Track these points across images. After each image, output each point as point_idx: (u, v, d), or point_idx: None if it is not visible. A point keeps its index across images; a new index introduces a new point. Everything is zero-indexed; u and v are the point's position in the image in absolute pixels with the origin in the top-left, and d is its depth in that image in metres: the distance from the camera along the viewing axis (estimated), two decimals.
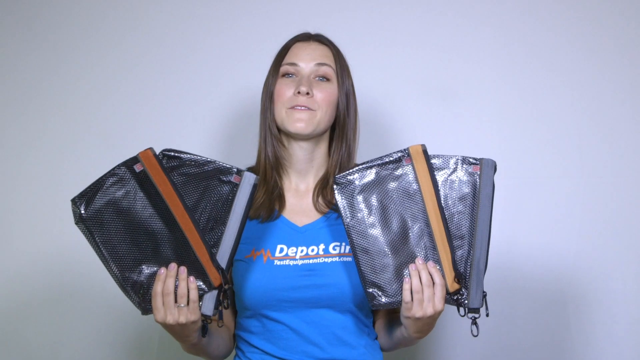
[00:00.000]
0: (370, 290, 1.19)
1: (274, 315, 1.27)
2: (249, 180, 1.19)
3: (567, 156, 1.83)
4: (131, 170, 1.18)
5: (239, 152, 1.85)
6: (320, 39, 1.36)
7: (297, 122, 1.28)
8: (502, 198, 1.81)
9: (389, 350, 1.38)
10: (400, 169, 1.21)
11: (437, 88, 1.86)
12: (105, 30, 1.94)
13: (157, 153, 1.19)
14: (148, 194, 1.17)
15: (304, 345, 1.26)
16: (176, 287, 1.15)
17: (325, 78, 1.32)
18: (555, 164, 1.83)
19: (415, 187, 1.20)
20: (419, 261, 1.18)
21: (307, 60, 1.31)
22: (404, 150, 1.22)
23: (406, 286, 1.17)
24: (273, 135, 1.33)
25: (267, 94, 1.34)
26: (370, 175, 1.21)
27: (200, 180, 1.19)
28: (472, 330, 1.19)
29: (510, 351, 1.82)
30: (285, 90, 1.31)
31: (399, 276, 1.19)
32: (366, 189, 1.21)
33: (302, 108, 1.29)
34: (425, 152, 1.22)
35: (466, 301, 1.18)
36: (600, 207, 1.81)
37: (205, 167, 1.19)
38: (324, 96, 1.30)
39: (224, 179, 1.19)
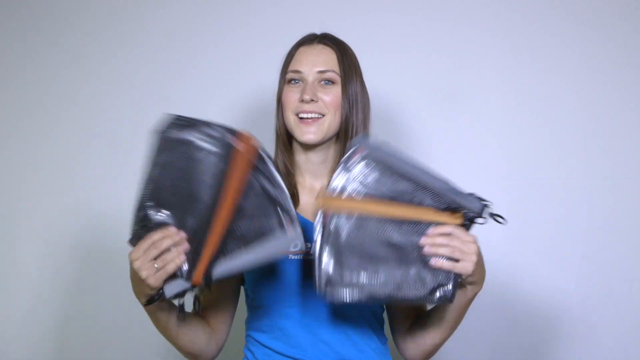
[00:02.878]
0: (431, 296, 1.13)
1: (287, 311, 1.27)
2: (292, 239, 1.13)
3: (572, 158, 1.83)
4: (227, 137, 1.14)
5: None
6: (324, 41, 1.35)
7: (306, 134, 1.29)
8: (507, 200, 1.82)
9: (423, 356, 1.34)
10: None
11: (444, 90, 1.87)
12: (113, 32, 1.95)
13: (262, 153, 1.15)
14: (220, 167, 1.13)
15: (315, 344, 1.26)
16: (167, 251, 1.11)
17: (330, 81, 1.32)
18: (561, 166, 1.83)
19: None
20: (424, 241, 1.14)
21: (310, 66, 1.31)
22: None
23: (439, 263, 1.12)
24: (283, 144, 1.36)
25: (277, 100, 1.36)
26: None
27: (265, 199, 1.15)
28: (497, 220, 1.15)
29: (516, 348, 1.83)
30: (291, 96, 1.32)
31: (424, 271, 1.13)
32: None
33: (310, 116, 1.29)
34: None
35: (472, 214, 1.14)
36: (606, 210, 1.81)
37: (277, 195, 1.14)
38: (331, 99, 1.30)
39: (280, 215, 1.14)
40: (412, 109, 1.86)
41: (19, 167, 1.95)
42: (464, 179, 1.84)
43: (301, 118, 1.30)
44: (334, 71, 1.31)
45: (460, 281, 1.15)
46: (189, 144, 1.14)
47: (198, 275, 1.11)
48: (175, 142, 1.15)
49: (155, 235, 1.10)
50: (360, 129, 1.34)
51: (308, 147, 1.33)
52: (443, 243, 1.12)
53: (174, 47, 1.94)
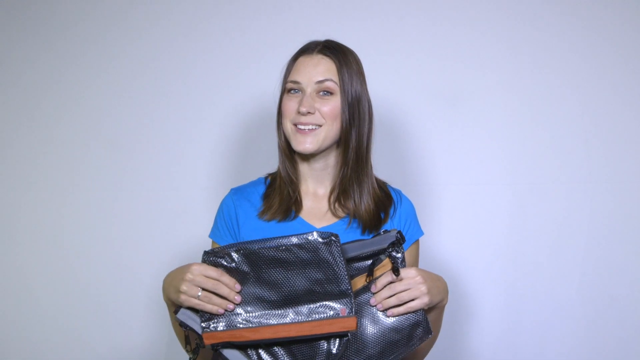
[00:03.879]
0: (412, 341, 1.18)
1: None
2: None
3: (573, 160, 1.83)
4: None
5: (253, 159, 1.87)
6: (323, 51, 1.33)
7: (302, 144, 1.30)
8: (509, 201, 1.82)
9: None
10: None
11: (446, 93, 1.87)
12: (115, 36, 1.95)
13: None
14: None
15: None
16: (219, 295, 1.14)
17: (329, 92, 1.32)
18: (562, 169, 1.84)
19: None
20: (373, 302, 1.19)
21: (308, 77, 1.31)
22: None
23: (396, 312, 1.17)
24: (284, 154, 1.36)
25: (277, 110, 1.37)
26: None
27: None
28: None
29: (518, 352, 1.84)
30: (289, 106, 1.33)
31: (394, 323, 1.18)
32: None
33: (306, 128, 1.30)
34: None
35: (391, 249, 1.18)
36: (608, 212, 1.82)
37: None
38: (329, 110, 1.31)
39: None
40: (413, 111, 1.86)
41: (20, 168, 1.95)
42: (465, 180, 1.86)
43: (298, 128, 1.31)
44: (332, 80, 1.31)
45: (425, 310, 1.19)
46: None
47: (213, 338, 1.12)
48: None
49: (224, 278, 1.14)
50: (364, 136, 1.34)
51: (307, 155, 1.34)
52: (388, 295, 1.17)
53: (179, 51, 1.93)
